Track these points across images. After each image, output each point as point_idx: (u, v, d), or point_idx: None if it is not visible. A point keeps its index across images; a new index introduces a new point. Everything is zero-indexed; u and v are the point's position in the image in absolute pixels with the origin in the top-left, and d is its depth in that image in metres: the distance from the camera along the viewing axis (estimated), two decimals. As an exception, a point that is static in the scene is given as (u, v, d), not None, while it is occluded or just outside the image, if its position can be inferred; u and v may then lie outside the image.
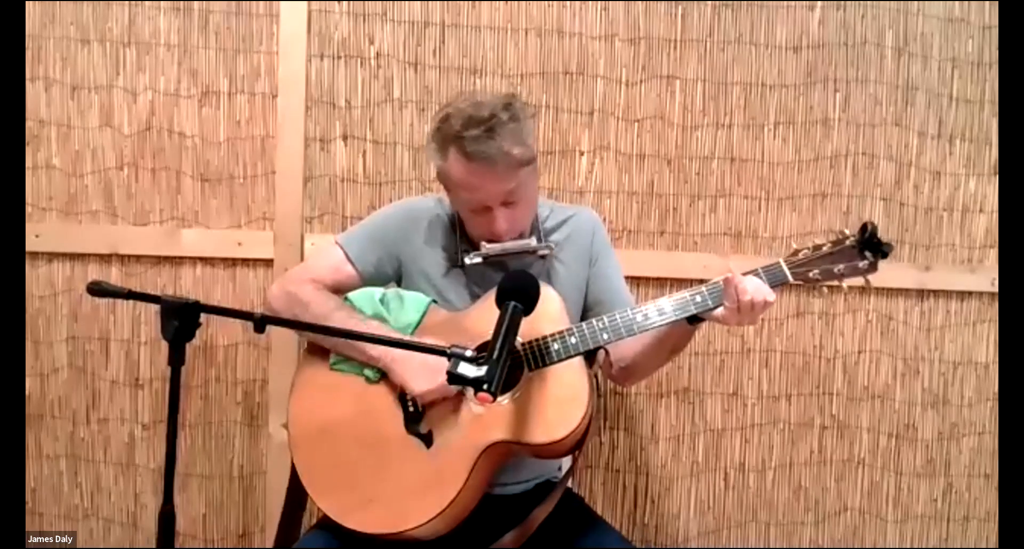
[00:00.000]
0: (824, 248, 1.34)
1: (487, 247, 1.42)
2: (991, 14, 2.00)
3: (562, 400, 1.31)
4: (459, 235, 1.50)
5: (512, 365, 1.31)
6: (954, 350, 2.07)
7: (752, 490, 2.05)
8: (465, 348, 1.16)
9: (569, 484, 1.47)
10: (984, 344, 2.07)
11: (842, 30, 1.98)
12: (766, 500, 2.05)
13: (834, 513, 2.07)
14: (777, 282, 1.32)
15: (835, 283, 1.35)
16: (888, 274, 2.00)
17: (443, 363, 1.16)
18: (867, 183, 2.01)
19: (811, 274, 1.33)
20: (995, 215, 2.04)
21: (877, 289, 2.01)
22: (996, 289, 2.03)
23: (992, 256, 2.05)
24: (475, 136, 1.33)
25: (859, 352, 2.04)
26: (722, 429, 2.03)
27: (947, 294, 2.05)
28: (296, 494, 1.47)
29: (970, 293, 2.05)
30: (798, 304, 2.02)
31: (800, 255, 1.35)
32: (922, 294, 2.05)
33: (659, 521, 2.03)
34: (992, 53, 2.01)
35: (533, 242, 1.44)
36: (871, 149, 2.01)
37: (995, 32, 2.01)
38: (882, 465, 2.07)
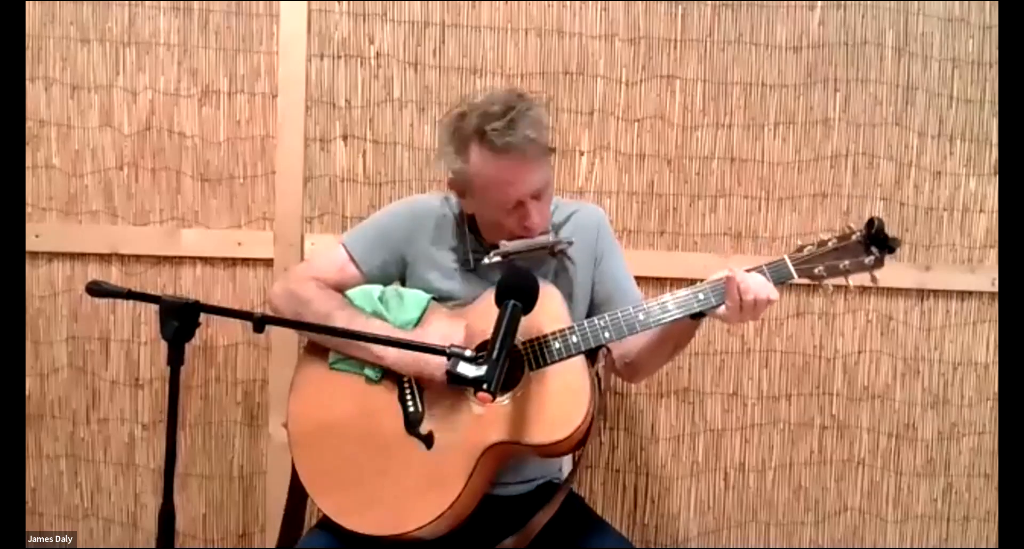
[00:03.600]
0: (829, 244, 1.32)
1: (506, 245, 1.39)
2: (991, 14, 2.00)
3: (563, 400, 1.30)
4: (469, 237, 1.48)
5: (513, 364, 1.31)
6: (954, 350, 2.07)
7: (752, 490, 2.05)
8: (465, 347, 1.16)
9: (571, 486, 1.47)
10: (984, 344, 2.07)
11: (842, 30, 1.98)
12: (766, 500, 2.05)
13: (834, 513, 2.07)
14: (782, 279, 1.31)
15: (840, 281, 1.33)
16: (888, 274, 1.98)
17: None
18: (867, 183, 2.01)
19: (816, 271, 1.31)
20: (995, 215, 2.04)
21: (877, 289, 2.01)
22: (996, 289, 2.03)
23: (992, 256, 2.05)
24: (499, 128, 1.30)
25: (859, 352, 2.04)
26: (722, 429, 2.03)
27: (947, 294, 2.05)
28: (297, 494, 1.47)
29: (970, 293, 2.05)
30: (798, 304, 2.02)
31: (805, 251, 1.33)
32: (922, 294, 2.05)
33: (659, 521, 2.03)
34: (992, 53, 2.01)
35: (551, 237, 1.42)
36: (871, 149, 2.01)
37: (995, 32, 2.00)
38: (882, 465, 2.07)
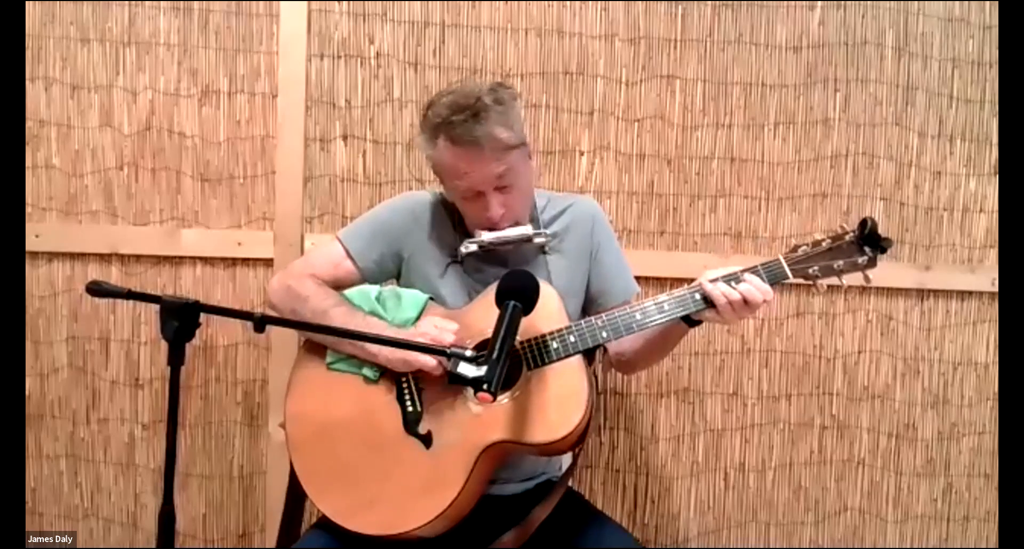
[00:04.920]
0: (823, 244, 1.34)
1: (482, 235, 1.41)
2: (991, 14, 2.00)
3: (562, 399, 1.31)
4: (458, 229, 1.49)
5: (511, 364, 1.31)
6: (954, 350, 2.07)
7: (752, 490, 2.05)
8: (464, 348, 1.16)
9: (569, 482, 1.47)
10: (984, 344, 2.07)
11: (842, 30, 1.98)
12: (766, 500, 2.05)
13: (834, 513, 2.07)
14: (777, 279, 1.32)
15: (834, 280, 1.34)
16: (888, 274, 2.01)
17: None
18: (867, 183, 2.01)
19: (810, 271, 1.33)
20: (995, 215, 2.04)
21: (877, 289, 2.02)
22: (996, 289, 2.03)
23: (992, 256, 2.05)
24: (461, 121, 1.33)
25: (859, 352, 2.04)
26: (722, 429, 2.03)
27: (947, 294, 2.05)
28: (296, 494, 1.47)
29: (970, 293, 2.05)
30: (798, 304, 2.02)
31: (799, 251, 1.34)
32: (922, 294, 2.05)
33: (659, 521, 2.03)
34: (992, 53, 2.01)
35: (530, 229, 1.43)
36: (871, 149, 2.01)
37: (995, 32, 2.00)
38: (882, 465, 2.07)
